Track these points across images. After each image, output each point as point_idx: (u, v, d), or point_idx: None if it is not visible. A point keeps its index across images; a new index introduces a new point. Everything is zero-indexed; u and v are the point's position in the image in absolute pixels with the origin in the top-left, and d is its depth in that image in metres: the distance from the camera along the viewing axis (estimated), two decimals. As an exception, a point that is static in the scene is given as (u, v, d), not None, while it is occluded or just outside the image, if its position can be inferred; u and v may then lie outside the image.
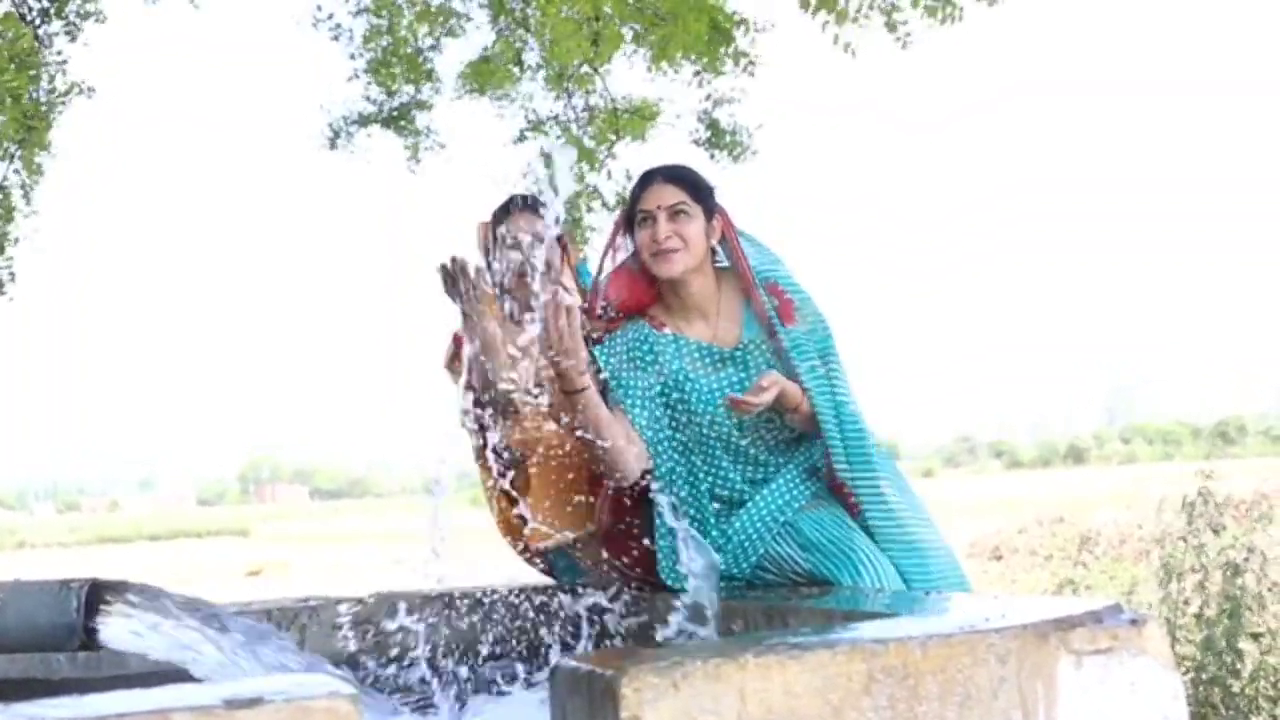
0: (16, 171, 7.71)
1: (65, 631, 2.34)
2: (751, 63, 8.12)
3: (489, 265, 3.72)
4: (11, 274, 7.81)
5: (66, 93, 7.53)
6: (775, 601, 2.78)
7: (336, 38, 8.79)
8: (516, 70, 8.67)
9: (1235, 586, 5.41)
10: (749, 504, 3.19)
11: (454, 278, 3.34)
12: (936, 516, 3.30)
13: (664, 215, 3.19)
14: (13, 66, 6.94)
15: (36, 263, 7.97)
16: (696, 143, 8.84)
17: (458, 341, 3.65)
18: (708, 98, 8.67)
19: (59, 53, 7.60)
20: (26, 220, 7.84)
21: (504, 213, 3.74)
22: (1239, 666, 5.20)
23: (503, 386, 3.42)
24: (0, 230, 7.76)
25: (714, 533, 3.21)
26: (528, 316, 3.37)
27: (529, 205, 3.78)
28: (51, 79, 7.51)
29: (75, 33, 7.65)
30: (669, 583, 3.21)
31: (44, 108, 7.34)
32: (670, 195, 3.22)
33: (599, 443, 3.04)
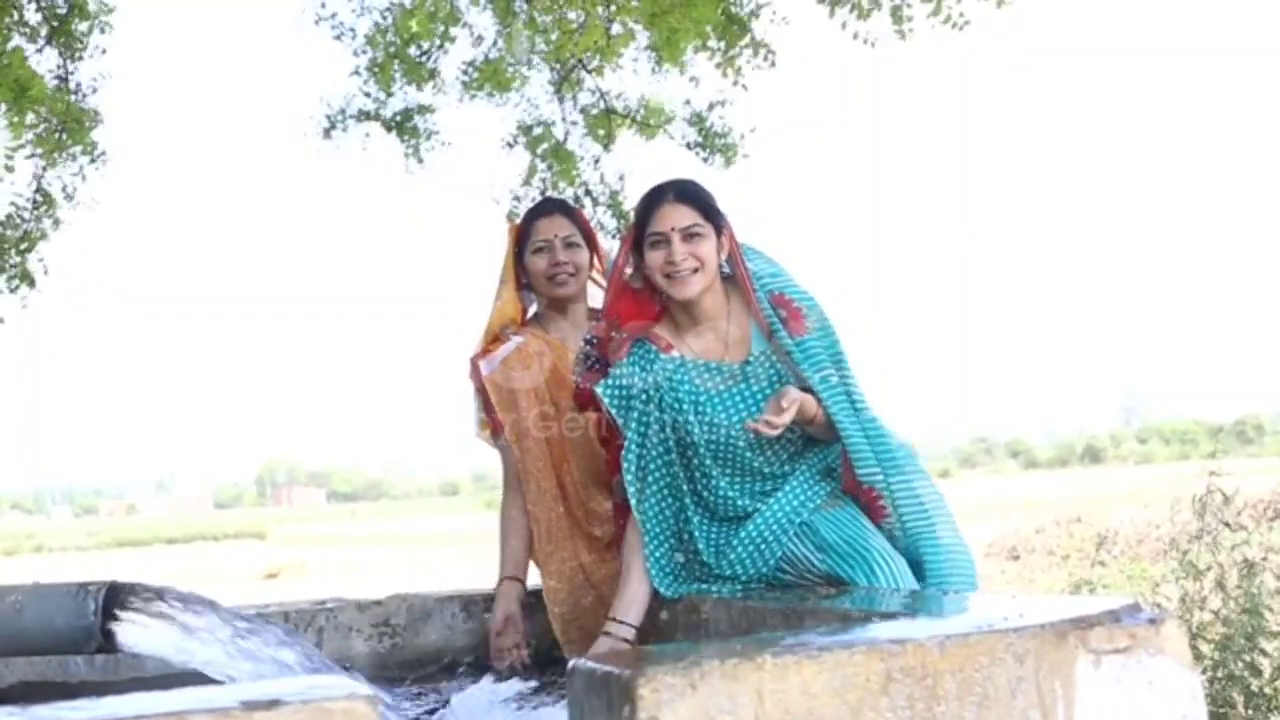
0: (77, 172, 7.82)
1: (83, 634, 2.35)
2: (771, 52, 8.08)
3: (518, 265, 3.75)
4: (45, 269, 7.91)
5: (79, 119, 7.60)
6: (792, 602, 2.78)
7: (339, 36, 8.80)
8: (525, 71, 8.68)
9: (1253, 585, 5.39)
10: (766, 505, 3.18)
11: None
12: (954, 516, 3.30)
13: (678, 237, 3.16)
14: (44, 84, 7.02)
15: (52, 263, 8.03)
16: (688, 145, 8.84)
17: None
18: (714, 105, 8.66)
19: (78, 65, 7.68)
20: (45, 218, 7.93)
21: (533, 214, 3.78)
22: (1260, 665, 5.19)
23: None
24: (37, 229, 7.85)
25: (701, 543, 3.20)
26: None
27: (557, 207, 3.82)
28: (78, 93, 7.58)
29: (84, 45, 7.70)
30: (661, 591, 3.22)
31: (80, 103, 7.42)
32: (684, 216, 3.18)
33: None
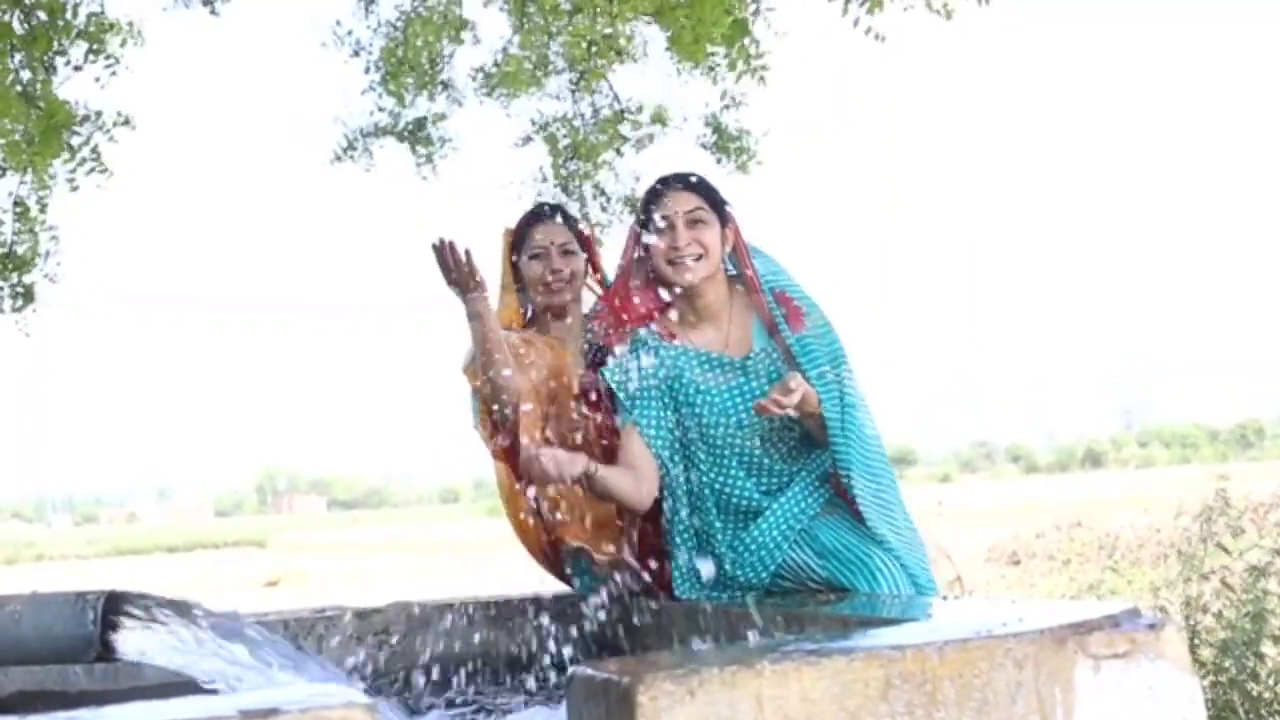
0: (47, 186, 7.75)
1: (82, 643, 2.34)
2: (764, 67, 8.04)
3: (515, 269, 3.74)
4: (50, 278, 7.84)
5: (114, 124, 7.54)
6: (792, 608, 2.78)
7: (357, 53, 8.84)
8: (540, 74, 8.68)
9: (1258, 590, 5.38)
10: (766, 512, 3.19)
11: (445, 261, 3.31)
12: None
13: (682, 223, 3.19)
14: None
15: (53, 274, 7.97)
16: (704, 146, 8.83)
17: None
18: (723, 96, 8.63)
19: (98, 79, 7.60)
20: (43, 232, 7.87)
21: (528, 220, 3.75)
22: (1259, 670, 5.18)
23: (498, 380, 3.38)
24: (32, 245, 7.79)
25: (721, 544, 3.21)
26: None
27: (553, 213, 3.81)
28: (83, 118, 7.50)
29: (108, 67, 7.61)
30: (681, 595, 3.23)
31: (56, 122, 7.34)
32: (688, 202, 3.21)
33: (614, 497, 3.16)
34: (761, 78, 8.03)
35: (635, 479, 3.17)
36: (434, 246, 3.29)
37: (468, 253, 3.27)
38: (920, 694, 1.80)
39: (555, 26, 8.20)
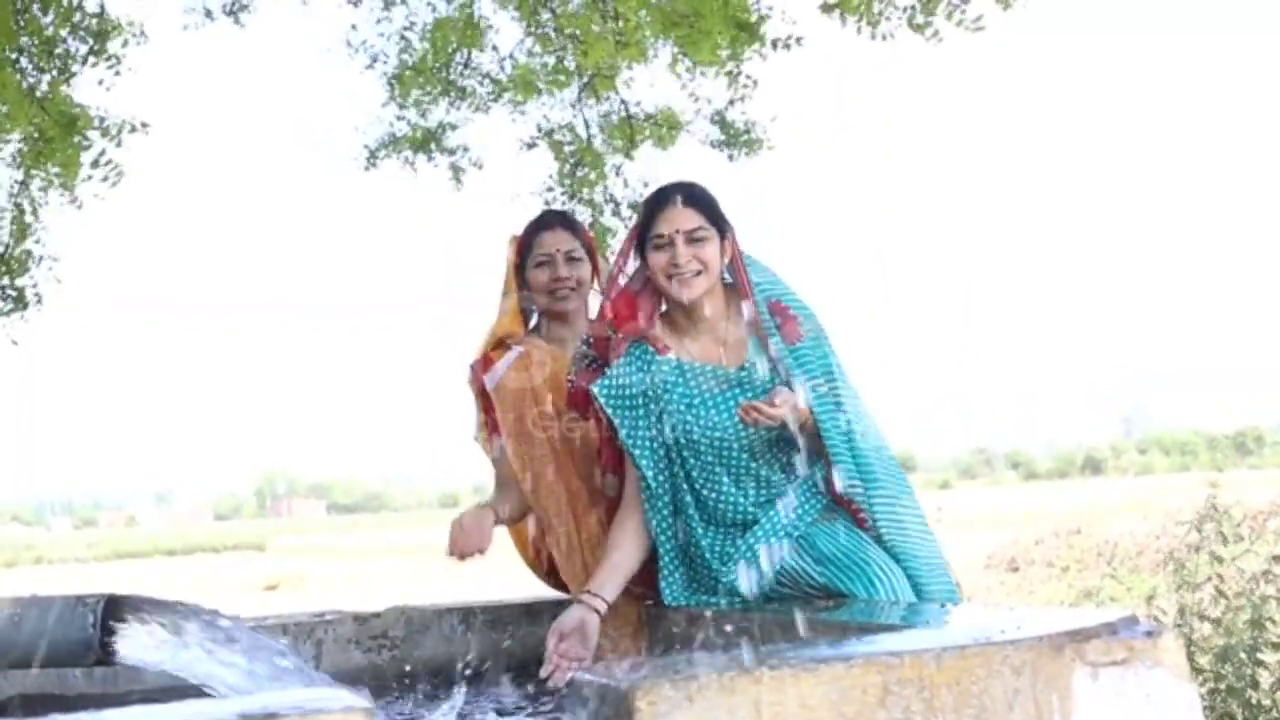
0: (42, 189, 7.71)
1: (81, 647, 2.34)
2: (798, 40, 8.04)
3: (519, 278, 3.75)
4: (38, 296, 7.79)
5: (119, 131, 7.51)
6: (790, 614, 2.78)
7: (371, 65, 8.87)
8: (562, 78, 8.69)
9: (1256, 596, 5.39)
10: (763, 519, 3.18)
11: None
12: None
13: (682, 239, 3.17)
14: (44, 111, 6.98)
15: (53, 277, 7.95)
16: (713, 144, 8.84)
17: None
18: (733, 101, 8.66)
19: (101, 82, 7.57)
20: (43, 235, 7.85)
21: (535, 228, 3.76)
22: (1258, 677, 5.18)
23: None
24: (21, 249, 7.76)
25: (711, 556, 3.21)
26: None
27: (559, 220, 3.81)
28: (95, 123, 7.45)
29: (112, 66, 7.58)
30: (669, 603, 3.24)
31: (64, 128, 7.31)
32: (689, 219, 3.20)
33: None
34: (799, 42, 8.02)
35: (638, 529, 3.28)
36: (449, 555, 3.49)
37: (480, 551, 3.49)
38: (918, 700, 1.81)
39: (561, 41, 8.22)
